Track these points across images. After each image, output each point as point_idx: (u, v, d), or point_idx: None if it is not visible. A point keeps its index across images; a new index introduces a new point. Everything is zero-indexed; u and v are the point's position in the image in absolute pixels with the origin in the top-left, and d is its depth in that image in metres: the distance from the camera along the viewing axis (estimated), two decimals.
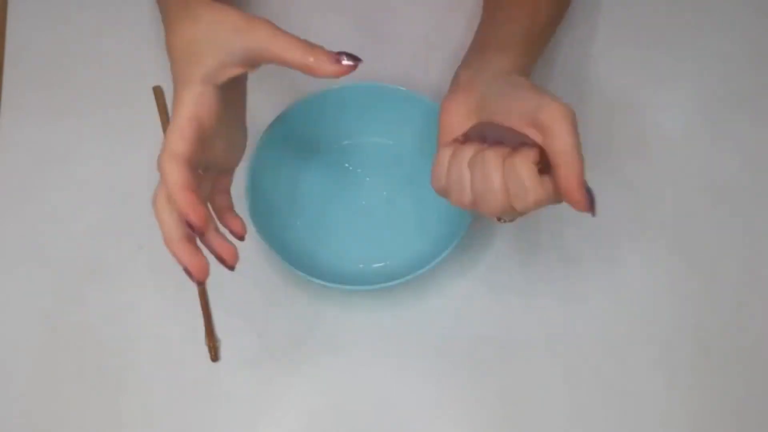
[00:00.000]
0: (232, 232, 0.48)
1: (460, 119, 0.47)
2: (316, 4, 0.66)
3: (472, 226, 0.53)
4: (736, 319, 0.55)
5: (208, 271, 0.41)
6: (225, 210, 0.48)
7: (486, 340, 0.55)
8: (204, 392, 0.54)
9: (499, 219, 0.47)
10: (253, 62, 0.42)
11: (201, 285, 0.44)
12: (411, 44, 0.65)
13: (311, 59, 0.40)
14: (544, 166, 0.41)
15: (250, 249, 0.58)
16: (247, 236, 0.57)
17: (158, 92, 0.64)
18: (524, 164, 0.41)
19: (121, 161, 0.62)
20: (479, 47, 0.52)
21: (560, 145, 0.40)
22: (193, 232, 0.41)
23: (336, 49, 0.41)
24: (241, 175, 0.55)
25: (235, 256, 0.43)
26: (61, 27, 0.67)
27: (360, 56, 0.44)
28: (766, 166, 0.60)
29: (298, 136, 0.59)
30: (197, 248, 0.42)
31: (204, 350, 0.55)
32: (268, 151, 0.56)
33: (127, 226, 0.59)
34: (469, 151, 0.44)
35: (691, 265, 0.57)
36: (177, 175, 0.39)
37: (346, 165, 0.60)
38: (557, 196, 0.42)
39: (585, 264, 0.57)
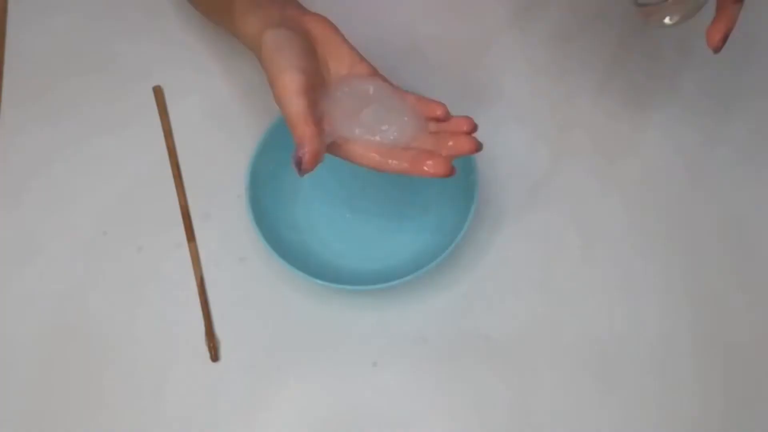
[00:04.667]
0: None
1: None
2: (320, 5, 0.66)
3: (471, 226, 0.53)
4: (736, 320, 0.55)
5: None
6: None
7: (486, 340, 0.55)
8: (204, 392, 0.54)
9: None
10: None
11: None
12: (412, 45, 0.65)
13: None
14: None
15: (250, 249, 0.58)
16: (246, 236, 0.57)
17: (158, 92, 0.64)
18: None
19: (121, 161, 0.62)
20: None
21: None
22: None
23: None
24: (241, 174, 0.55)
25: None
26: (61, 27, 0.67)
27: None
28: (763, 166, 0.60)
29: None
30: None
31: (204, 350, 0.55)
32: (268, 151, 0.56)
33: (127, 226, 0.59)
34: None
35: (691, 266, 0.57)
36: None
37: (347, 164, 0.60)
38: None
39: (585, 264, 0.57)
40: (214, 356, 0.55)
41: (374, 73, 0.48)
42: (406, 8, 0.66)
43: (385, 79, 0.48)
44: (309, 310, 0.56)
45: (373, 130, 0.46)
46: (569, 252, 0.58)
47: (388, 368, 0.55)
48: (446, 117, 0.47)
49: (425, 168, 0.45)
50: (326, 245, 0.58)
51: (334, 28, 0.49)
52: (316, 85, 0.46)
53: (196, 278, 0.57)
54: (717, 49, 0.46)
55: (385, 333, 0.56)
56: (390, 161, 0.46)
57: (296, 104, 0.43)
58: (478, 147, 0.46)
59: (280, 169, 0.58)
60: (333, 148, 0.46)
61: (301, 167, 0.43)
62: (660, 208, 0.59)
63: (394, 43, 0.64)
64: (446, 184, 0.58)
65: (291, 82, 0.44)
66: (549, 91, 0.63)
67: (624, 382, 0.54)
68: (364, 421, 0.53)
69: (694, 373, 0.54)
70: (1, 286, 0.58)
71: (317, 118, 0.44)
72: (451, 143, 0.46)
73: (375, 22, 0.65)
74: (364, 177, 0.60)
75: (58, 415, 0.54)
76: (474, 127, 0.46)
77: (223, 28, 0.53)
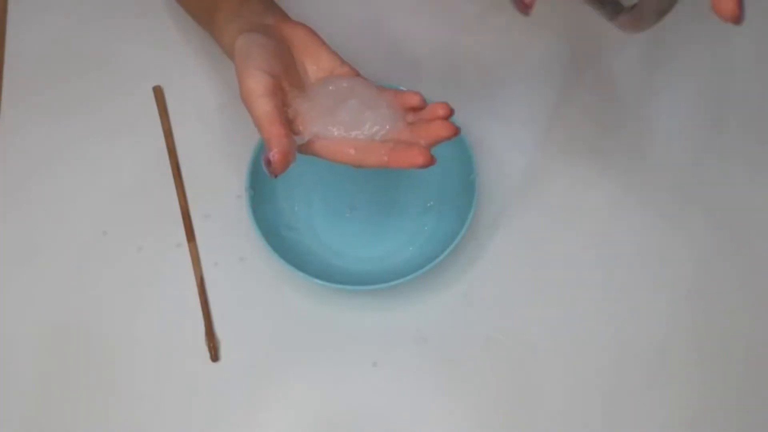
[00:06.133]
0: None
1: None
2: (319, 5, 0.66)
3: (471, 226, 0.53)
4: (736, 320, 0.55)
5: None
6: None
7: (487, 339, 0.55)
8: (204, 392, 0.54)
9: None
10: None
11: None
12: (411, 46, 0.65)
13: None
14: None
15: (250, 249, 0.58)
16: (246, 236, 0.57)
17: (158, 92, 0.64)
18: None
19: (121, 161, 0.62)
20: None
21: None
22: None
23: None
24: (241, 174, 0.55)
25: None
26: (61, 27, 0.67)
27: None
28: (763, 164, 0.61)
29: None
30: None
31: (204, 350, 0.55)
32: None
33: (127, 226, 0.59)
34: None
35: (692, 266, 0.57)
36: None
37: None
38: None
39: (585, 264, 0.57)
40: (214, 356, 0.55)
41: (355, 75, 0.47)
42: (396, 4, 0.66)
43: (365, 79, 0.47)
44: (309, 310, 0.56)
45: (350, 126, 0.44)
46: (569, 252, 0.58)
47: (388, 368, 0.55)
48: (422, 105, 0.46)
49: (405, 159, 0.43)
50: (326, 245, 0.58)
51: (314, 34, 0.48)
52: (287, 87, 0.45)
53: (196, 278, 0.57)
54: (736, 19, 0.36)
55: (385, 333, 0.56)
56: (368, 156, 0.44)
57: (262, 105, 0.42)
58: (456, 131, 0.44)
59: None
60: (308, 146, 0.45)
61: (271, 168, 0.42)
62: (660, 209, 0.59)
63: (387, 42, 0.64)
64: (446, 183, 0.58)
65: (256, 84, 0.43)
66: (549, 91, 0.63)
67: (624, 382, 0.54)
68: (364, 421, 0.53)
69: (695, 373, 0.54)
70: (1, 286, 0.58)
71: (287, 119, 0.43)
72: (428, 129, 0.44)
73: (365, 18, 0.65)
74: (364, 177, 0.60)
75: (58, 415, 0.54)
76: (450, 112, 0.45)
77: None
